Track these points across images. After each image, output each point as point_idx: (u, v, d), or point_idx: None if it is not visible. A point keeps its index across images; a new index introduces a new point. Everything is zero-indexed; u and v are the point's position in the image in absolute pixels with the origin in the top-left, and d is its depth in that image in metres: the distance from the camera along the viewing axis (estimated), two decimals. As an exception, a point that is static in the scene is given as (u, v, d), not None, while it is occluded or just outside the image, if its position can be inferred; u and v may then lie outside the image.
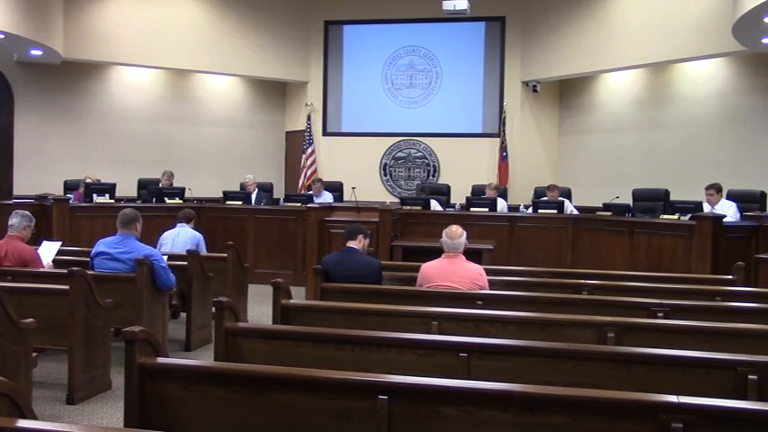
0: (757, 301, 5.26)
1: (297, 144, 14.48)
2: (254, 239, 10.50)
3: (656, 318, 4.65)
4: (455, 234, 5.52)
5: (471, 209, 10.43)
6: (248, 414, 2.90)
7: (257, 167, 13.73)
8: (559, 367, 3.40)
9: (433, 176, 13.85)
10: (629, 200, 10.40)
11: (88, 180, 10.79)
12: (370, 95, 14.20)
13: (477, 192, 11.69)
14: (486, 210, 10.36)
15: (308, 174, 13.91)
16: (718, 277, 6.61)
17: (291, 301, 4.61)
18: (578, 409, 2.61)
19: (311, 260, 9.00)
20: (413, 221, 9.98)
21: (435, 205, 10.78)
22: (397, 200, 12.04)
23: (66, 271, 5.11)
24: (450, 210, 11.01)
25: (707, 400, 2.54)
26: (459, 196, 11.77)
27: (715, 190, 9.18)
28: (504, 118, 13.35)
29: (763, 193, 9.63)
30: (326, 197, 11.44)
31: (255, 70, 13.97)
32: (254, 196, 11.31)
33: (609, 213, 9.69)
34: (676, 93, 11.88)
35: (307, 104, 14.26)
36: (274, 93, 14.94)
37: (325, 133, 14.31)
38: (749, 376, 3.08)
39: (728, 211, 8.91)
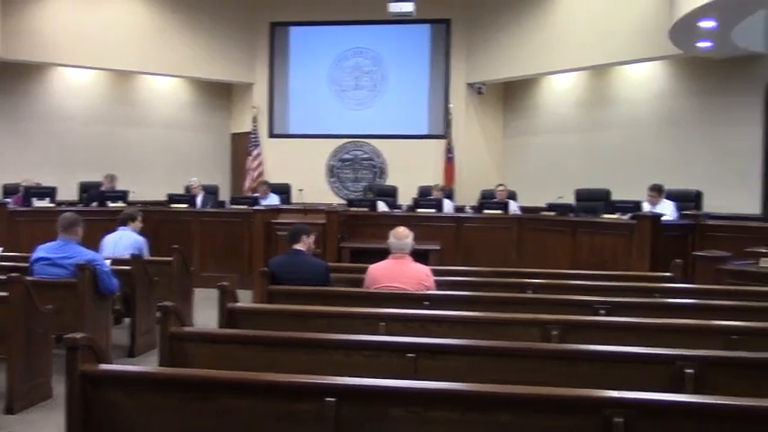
0: (694, 298, 5.41)
1: (243, 146, 14.35)
2: (200, 243, 10.36)
3: (599, 315, 4.74)
4: (402, 235, 5.55)
5: (418, 210, 10.49)
6: (194, 420, 2.86)
7: (202, 170, 13.57)
8: (505, 366, 3.44)
9: (380, 178, 13.88)
10: (572, 200, 10.59)
11: (27, 183, 10.51)
12: (316, 97, 14.16)
13: (424, 193, 11.76)
14: (433, 211, 10.43)
15: (255, 176, 13.80)
16: (657, 275, 6.77)
17: (238, 304, 4.56)
18: (524, 407, 2.65)
19: (258, 263, 8.93)
20: (360, 223, 9.99)
21: (382, 206, 10.81)
22: (344, 201, 12.03)
23: (4, 277, 4.97)
24: (396, 211, 11.06)
25: (646, 394, 2.60)
26: (405, 197, 11.83)
27: (656, 191, 9.42)
28: (450, 119, 13.46)
29: (698, 193, 9.93)
30: (273, 199, 11.36)
31: (200, 71, 13.80)
32: (199, 199, 11.16)
33: (552, 213, 9.85)
34: (617, 95, 12.14)
35: (252, 106, 14.14)
36: (219, 94, 14.78)
37: (271, 135, 14.22)
38: (686, 370, 3.17)
39: (667, 210, 9.15)
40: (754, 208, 10.01)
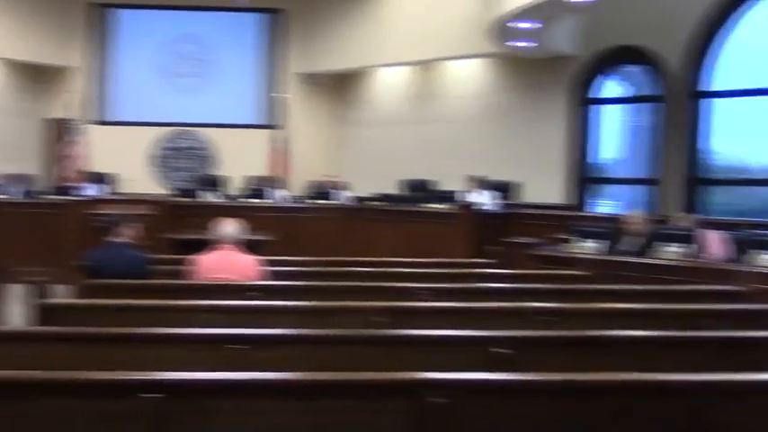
0: (510, 282, 5.72)
1: (59, 133, 13.45)
2: (11, 235, 9.61)
3: (423, 301, 4.89)
4: (229, 226, 5.45)
5: (248, 200, 10.35)
6: (5, 424, 2.66)
7: (14, 157, 12.59)
8: (333, 353, 3.46)
9: (209, 167, 13.52)
10: (401, 190, 10.87)
11: None
12: (144, 84, 13.52)
13: (255, 183, 11.62)
14: (265, 201, 10.33)
15: (72, 164, 12.98)
16: (477, 261, 7.09)
17: (52, 300, 4.29)
18: (348, 393, 2.69)
19: (74, 256, 8.42)
20: (187, 213, 9.69)
21: (211, 196, 10.57)
22: (171, 191, 11.62)
23: None
24: (226, 201, 10.85)
25: (464, 375, 2.72)
26: (235, 187, 11.62)
27: (477, 181, 9.86)
28: (283, 110, 13.36)
29: (516, 183, 10.52)
30: (92, 189, 10.77)
31: (8, 52, 12.77)
32: (11, 188, 10.37)
33: (381, 203, 10.05)
34: (443, 90, 12.55)
35: (67, 91, 13.27)
36: (33, 77, 13.75)
37: (93, 122, 13.42)
38: (500, 350, 3.35)
39: (488, 200, 9.61)
40: (561, 198, 10.73)
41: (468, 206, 8.96)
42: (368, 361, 3.39)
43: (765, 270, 5.93)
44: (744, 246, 6.59)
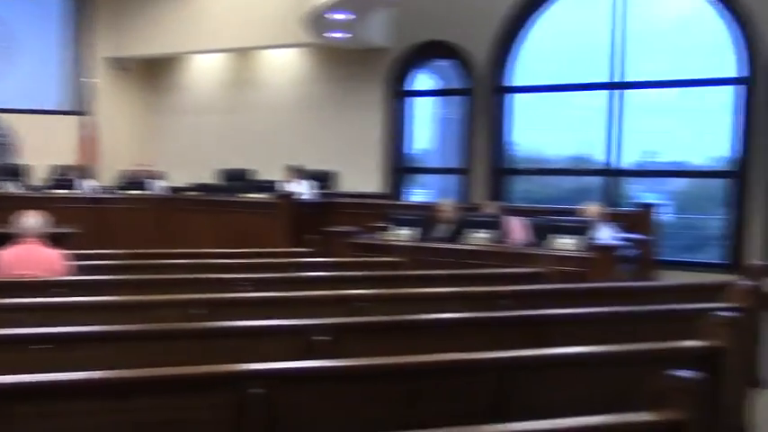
0: (328, 270, 5.80)
1: None
2: None
3: (243, 292, 4.83)
4: (31, 218, 5.10)
5: (54, 190, 9.72)
6: None
7: None
8: (150, 349, 3.34)
9: (11, 156, 12.46)
10: (218, 180, 10.66)
11: None
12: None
13: (61, 173, 10.91)
14: (73, 191, 9.74)
15: None
16: (296, 250, 7.12)
17: None
18: (164, 389, 2.61)
19: None
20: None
21: (12, 187, 9.81)
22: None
23: None
24: (29, 192, 10.10)
25: (283, 363, 2.73)
26: (39, 177, 10.86)
27: (296, 171, 9.88)
28: (91, 96, 12.62)
29: (332, 173, 10.66)
30: None
31: None
32: None
33: (198, 193, 9.82)
34: (260, 78, 12.42)
35: None
36: None
37: None
38: (319, 338, 3.39)
39: (306, 189, 9.66)
40: (378, 187, 10.98)
41: (286, 196, 8.96)
42: (187, 355, 3.32)
43: (562, 253, 6.43)
44: (543, 231, 7.11)
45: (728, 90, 8.97)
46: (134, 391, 2.58)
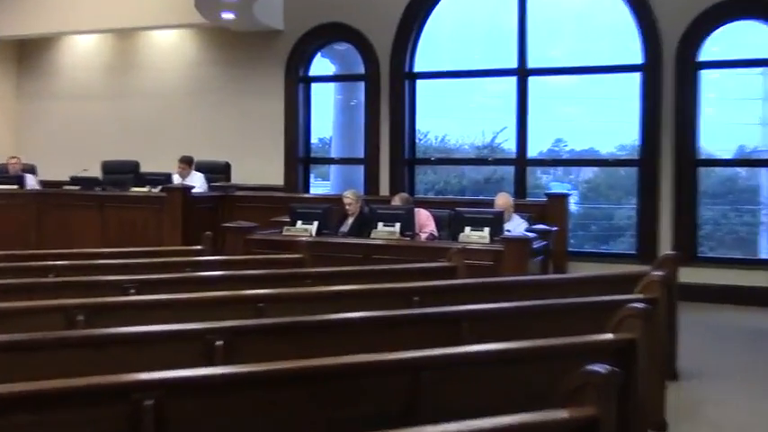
0: (224, 269, 5.71)
1: None
2: None
3: (129, 294, 4.70)
4: None
5: None
6: None
7: None
8: (26, 361, 3.19)
9: None
10: (99, 173, 10.35)
11: None
12: None
13: None
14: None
15: None
16: (188, 248, 6.97)
17: None
18: (47, 404, 2.49)
19: None
20: None
21: None
22: None
23: None
24: None
25: (175, 372, 2.64)
26: None
27: (186, 162, 9.68)
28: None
29: (227, 164, 10.49)
30: None
31: None
32: None
33: (77, 187, 9.51)
34: (145, 61, 12.08)
35: None
36: None
37: None
38: (216, 342, 3.32)
39: (197, 182, 9.49)
40: (278, 179, 10.90)
41: (178, 189, 8.77)
42: (70, 366, 3.18)
43: (472, 246, 6.54)
44: (452, 223, 7.22)
45: (635, 77, 9.32)
46: (12, 408, 2.44)
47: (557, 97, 10.17)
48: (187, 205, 8.41)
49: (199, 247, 6.60)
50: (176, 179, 9.42)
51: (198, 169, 9.83)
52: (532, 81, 9.83)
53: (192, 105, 11.64)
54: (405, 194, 8.21)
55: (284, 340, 3.55)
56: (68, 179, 9.85)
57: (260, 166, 10.83)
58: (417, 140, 10.72)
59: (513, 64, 9.86)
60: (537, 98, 9.82)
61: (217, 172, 10.24)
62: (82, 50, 12.58)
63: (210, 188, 9.66)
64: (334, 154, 11.77)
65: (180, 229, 8.28)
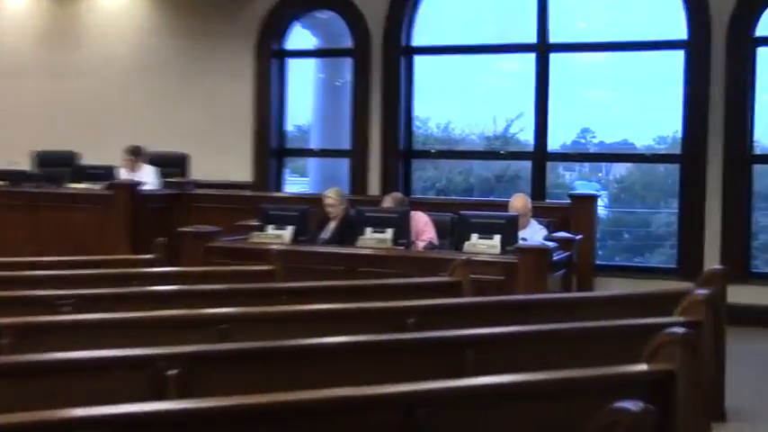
0: (180, 283, 5.69)
1: None
2: None
3: (64, 313, 4.69)
4: None
5: None
6: None
7: None
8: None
9: None
10: (30, 166, 10.33)
11: None
12: None
13: None
14: None
15: None
16: (136, 258, 6.98)
17: None
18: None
19: None
20: None
21: None
22: None
23: None
24: None
25: (121, 407, 2.64)
26: None
27: (135, 154, 9.67)
28: None
29: (185, 156, 10.47)
30: None
31: None
32: None
33: (3, 183, 9.51)
34: (87, 29, 12.03)
35: None
36: None
37: None
38: (169, 371, 3.31)
39: (149, 177, 9.47)
40: (246, 175, 10.89)
41: (125, 186, 8.75)
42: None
43: (480, 258, 6.53)
44: (455, 230, 7.21)
45: (678, 55, 9.29)
46: None
47: (583, 79, 10.19)
48: (136, 205, 8.40)
49: (149, 256, 6.59)
50: (123, 174, 9.39)
51: (150, 162, 9.81)
52: (554, 59, 9.80)
53: (143, 85, 11.61)
54: (399, 194, 8.21)
55: (251, 369, 3.55)
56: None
57: (224, 160, 10.81)
58: (415, 129, 10.72)
59: (532, 38, 9.84)
60: (560, 80, 9.79)
61: (172, 165, 10.22)
62: (10, 14, 12.54)
63: (164, 185, 9.64)
64: (313, 145, 11.77)
65: (127, 234, 8.27)
